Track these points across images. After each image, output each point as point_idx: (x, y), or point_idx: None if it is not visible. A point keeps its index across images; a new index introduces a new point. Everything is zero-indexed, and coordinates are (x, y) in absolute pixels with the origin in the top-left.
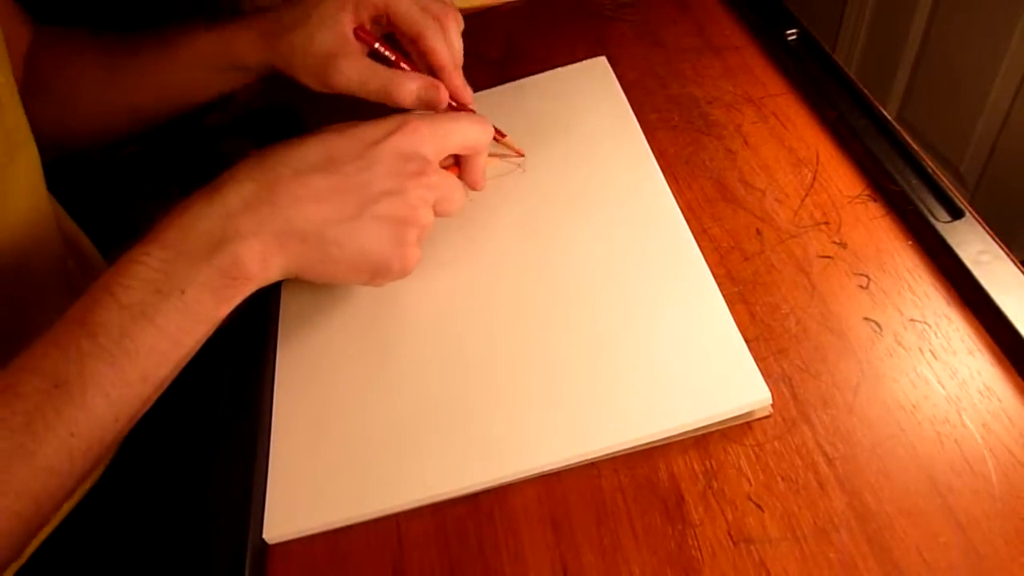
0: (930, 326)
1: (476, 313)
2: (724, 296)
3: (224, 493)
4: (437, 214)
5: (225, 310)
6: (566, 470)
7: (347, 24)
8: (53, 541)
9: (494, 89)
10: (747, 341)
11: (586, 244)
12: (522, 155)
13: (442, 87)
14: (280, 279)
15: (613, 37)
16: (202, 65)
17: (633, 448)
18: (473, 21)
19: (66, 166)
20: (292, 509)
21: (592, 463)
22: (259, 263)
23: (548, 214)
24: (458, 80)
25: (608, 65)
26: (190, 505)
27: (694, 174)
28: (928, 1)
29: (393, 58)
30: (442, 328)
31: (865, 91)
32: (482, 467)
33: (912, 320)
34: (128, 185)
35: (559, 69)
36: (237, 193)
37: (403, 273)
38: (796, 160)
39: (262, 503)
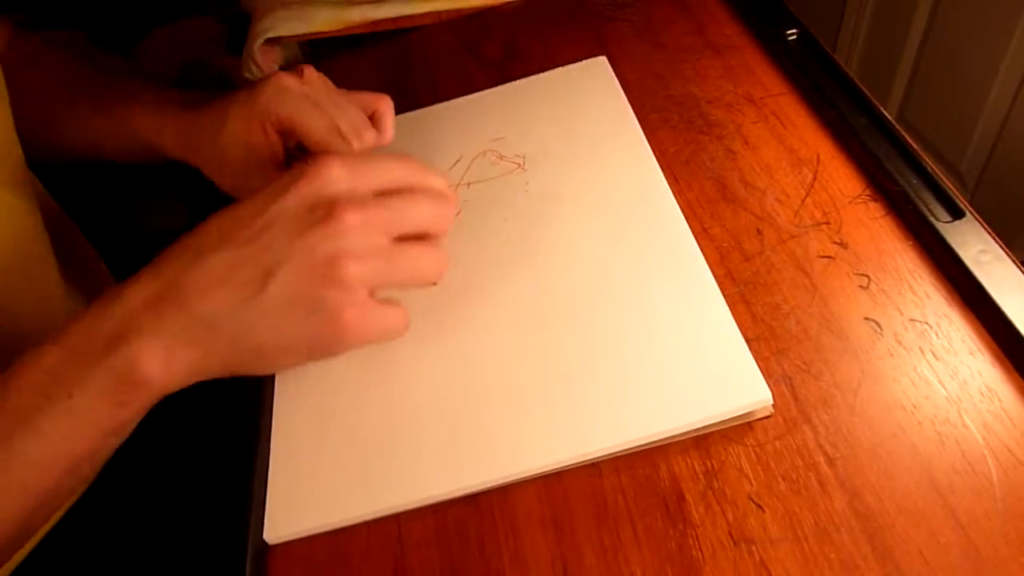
0: (931, 326)
1: (476, 313)
2: (724, 296)
3: (224, 493)
4: (415, 229)
5: (124, 416)
6: (567, 470)
7: (255, 139)
8: (51, 540)
9: (494, 89)
10: (747, 341)
11: (586, 244)
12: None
13: None
14: (195, 381)
15: (613, 37)
16: (134, 139)
17: (634, 448)
18: (473, 21)
19: (67, 164)
20: (293, 509)
21: (593, 463)
22: (161, 366)
23: (548, 214)
24: None
25: (608, 65)
26: (190, 505)
27: (694, 174)
28: (928, 1)
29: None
30: (442, 328)
31: (865, 91)
32: (482, 467)
33: (912, 320)
34: (129, 183)
35: (559, 69)
36: (138, 292)
37: (345, 341)
38: (796, 160)
39: (262, 503)
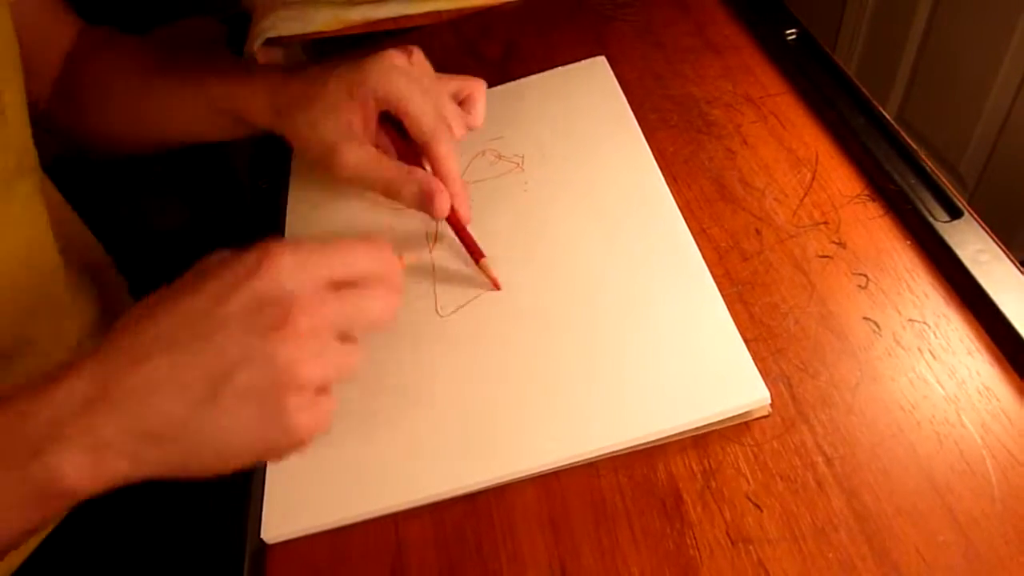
0: (929, 326)
1: (475, 313)
2: (723, 296)
3: (222, 493)
4: (366, 329)
5: (40, 520)
6: (565, 470)
7: (354, 112)
8: (52, 540)
9: (494, 89)
10: (746, 341)
11: (585, 244)
12: (498, 287)
13: (444, 195)
14: (122, 486)
15: (613, 37)
16: (215, 111)
17: (632, 448)
18: (473, 21)
19: (67, 162)
20: (290, 509)
21: (591, 463)
22: (87, 476)
23: (547, 214)
24: (462, 192)
25: (607, 65)
26: (189, 504)
27: (693, 174)
28: (928, 1)
29: (397, 150)
30: (441, 328)
31: (864, 91)
32: (480, 467)
33: (911, 320)
34: (131, 181)
35: (559, 69)
36: (73, 392)
37: (298, 444)
38: (795, 160)
39: (260, 503)
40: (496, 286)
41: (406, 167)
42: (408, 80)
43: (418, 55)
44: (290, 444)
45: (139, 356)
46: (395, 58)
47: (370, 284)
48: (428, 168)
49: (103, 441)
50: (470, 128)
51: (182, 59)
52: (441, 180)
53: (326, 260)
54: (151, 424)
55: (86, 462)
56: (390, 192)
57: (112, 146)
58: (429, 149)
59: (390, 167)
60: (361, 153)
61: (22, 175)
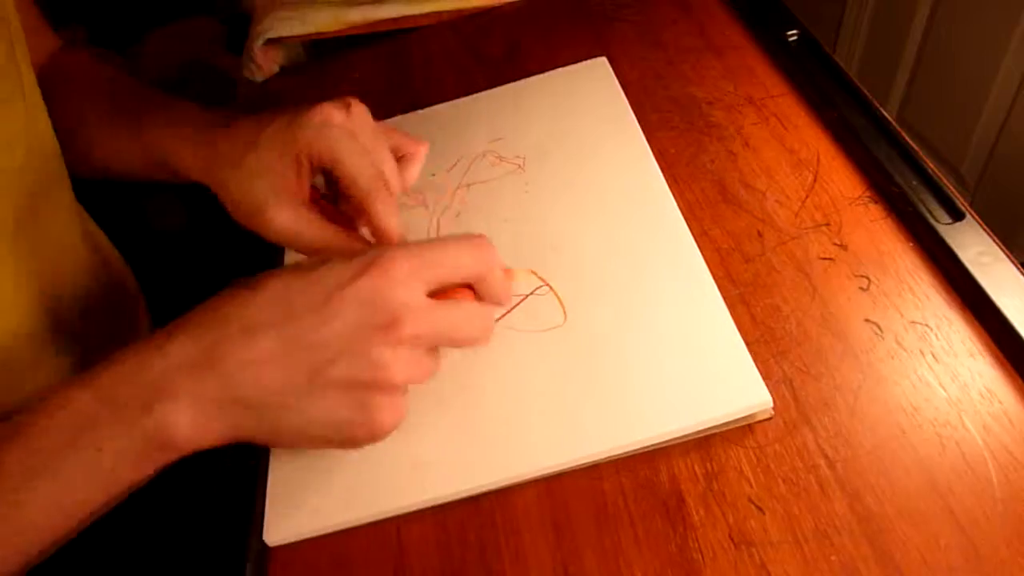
0: (931, 328)
1: None
2: (724, 298)
3: (225, 495)
4: (459, 346)
5: (145, 473)
6: (567, 472)
7: (287, 171)
8: None
9: (494, 89)
10: (747, 343)
11: (586, 245)
12: (546, 283)
13: None
14: (224, 444)
15: (613, 37)
16: (150, 161)
17: (634, 450)
18: (473, 21)
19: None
20: (292, 512)
21: (593, 465)
22: (190, 431)
23: (548, 215)
24: None
25: (608, 65)
26: (192, 507)
27: (695, 175)
28: (928, 1)
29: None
30: None
31: (865, 92)
32: (483, 469)
33: (913, 322)
34: (130, 181)
35: (559, 69)
36: (180, 351)
37: (375, 439)
38: (797, 161)
39: (263, 506)
40: (543, 281)
41: (344, 231)
42: (343, 136)
43: (357, 108)
44: (369, 438)
45: (251, 328)
46: (331, 114)
47: (470, 304)
48: (365, 231)
49: (207, 400)
50: (400, 190)
51: (129, 103)
52: (379, 238)
53: (437, 265)
54: (247, 393)
55: (191, 417)
56: (328, 255)
57: (82, 173)
58: (367, 206)
59: (328, 229)
60: (293, 213)
61: (51, 173)
